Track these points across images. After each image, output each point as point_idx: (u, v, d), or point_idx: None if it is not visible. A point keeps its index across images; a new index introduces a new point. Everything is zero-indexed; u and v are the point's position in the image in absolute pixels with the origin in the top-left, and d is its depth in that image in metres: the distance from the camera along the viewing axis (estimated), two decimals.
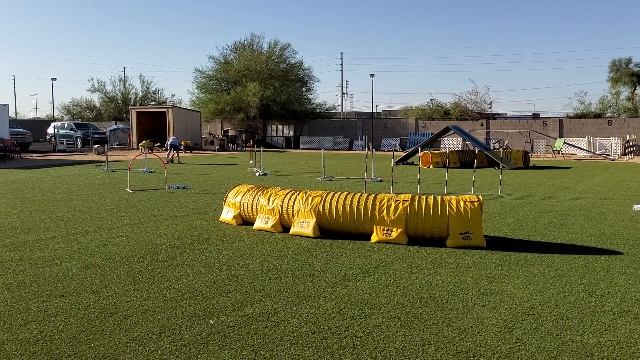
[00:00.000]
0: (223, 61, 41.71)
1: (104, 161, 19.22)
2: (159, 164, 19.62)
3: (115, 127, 40.38)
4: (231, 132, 40.35)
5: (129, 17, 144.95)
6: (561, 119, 31.45)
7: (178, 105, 42.76)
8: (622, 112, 35.22)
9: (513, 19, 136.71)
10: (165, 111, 35.24)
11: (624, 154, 27.55)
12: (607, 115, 33.82)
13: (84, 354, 3.50)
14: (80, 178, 15.34)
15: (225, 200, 8.24)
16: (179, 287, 4.94)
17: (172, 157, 21.88)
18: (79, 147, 35.29)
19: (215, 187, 12.95)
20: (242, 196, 7.90)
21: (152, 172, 17.16)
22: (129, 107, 38.55)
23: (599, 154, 27.08)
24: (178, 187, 12.72)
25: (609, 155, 27.12)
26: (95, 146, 29.05)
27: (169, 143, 22.43)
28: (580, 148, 27.64)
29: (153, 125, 36.46)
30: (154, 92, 54.22)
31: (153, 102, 51.99)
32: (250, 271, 5.46)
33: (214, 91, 40.74)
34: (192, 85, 54.35)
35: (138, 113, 35.71)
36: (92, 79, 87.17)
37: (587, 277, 5.24)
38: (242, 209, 7.83)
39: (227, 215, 8.07)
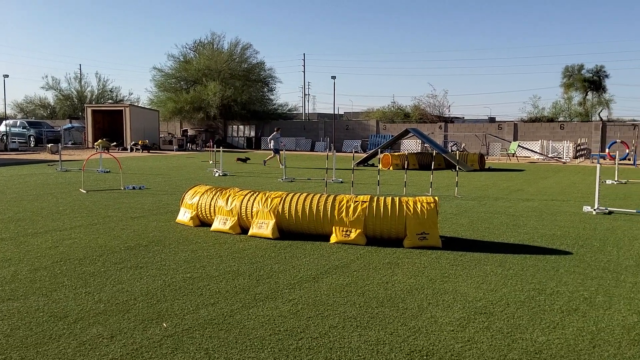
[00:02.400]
0: (182, 60, 41.11)
1: (58, 160, 18.65)
2: (115, 163, 19.17)
3: (70, 125, 39.33)
4: (190, 132, 39.79)
5: (85, 13, 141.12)
6: (516, 122, 32.32)
7: (135, 104, 41.85)
8: (574, 117, 36.44)
9: (470, 24, 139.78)
10: (122, 110, 34.51)
11: (576, 157, 28.53)
12: (559, 120, 34.93)
13: (31, 359, 3.38)
14: (32, 178, 14.83)
15: (182, 201, 8.12)
16: (132, 290, 4.83)
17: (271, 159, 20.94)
18: (32, 146, 34.19)
19: (173, 188, 12.74)
20: (200, 197, 7.79)
21: (107, 172, 16.76)
22: (85, 105, 37.60)
23: (551, 157, 27.96)
24: (134, 188, 12.46)
25: (561, 158, 28.03)
26: (49, 145, 28.20)
27: (272, 146, 20.98)
28: (533, 151, 28.45)
29: (109, 124, 35.64)
30: (110, 91, 53.01)
31: (110, 101, 50.77)
32: (207, 273, 5.39)
33: (173, 90, 40.10)
34: (150, 83, 53.21)
35: (94, 111, 34.87)
36: (47, 76, 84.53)
37: (537, 276, 5.40)
38: (199, 210, 7.73)
39: (184, 216, 7.95)
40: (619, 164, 16.93)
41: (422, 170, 18.88)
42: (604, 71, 37.11)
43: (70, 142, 36.48)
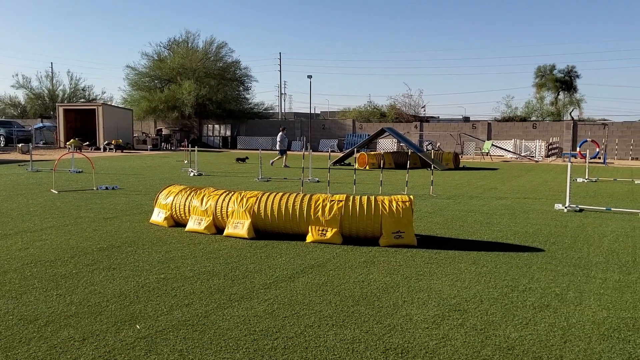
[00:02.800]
0: (156, 58, 40.59)
1: (29, 160, 18.26)
2: (87, 163, 18.85)
3: (41, 125, 38.54)
4: (165, 131, 39.33)
5: (57, 11, 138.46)
6: (489, 122, 32.75)
7: (109, 103, 41.24)
8: (546, 116, 37.08)
9: (445, 25, 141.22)
10: (94, 109, 33.94)
11: (548, 156, 29.04)
12: (532, 119, 35.51)
13: None
14: (2, 178, 14.49)
15: (156, 201, 8.02)
16: (105, 291, 4.75)
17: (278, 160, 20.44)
18: (2, 145, 33.42)
19: (147, 188, 12.58)
20: (174, 197, 7.71)
21: (79, 172, 16.46)
22: (57, 104, 36.84)
23: (524, 156, 28.41)
24: (107, 188, 12.27)
25: (533, 157, 28.52)
26: (20, 145, 27.58)
27: (278, 147, 20.48)
28: (507, 150, 28.88)
29: (82, 123, 35.02)
30: (83, 89, 51.99)
31: (82, 100, 49.87)
32: (181, 274, 5.33)
33: (147, 89, 39.57)
34: (123, 82, 52.38)
35: (66, 111, 34.24)
36: (17, 75, 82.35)
37: (510, 273, 5.48)
38: (173, 210, 7.65)
39: (158, 216, 7.85)
40: (589, 162, 17.29)
41: (398, 170, 19.00)
42: (575, 71, 37.87)
43: (41, 142, 35.75)
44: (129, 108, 38.12)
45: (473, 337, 3.81)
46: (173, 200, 7.69)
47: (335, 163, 20.83)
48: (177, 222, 7.71)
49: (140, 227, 7.72)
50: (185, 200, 7.54)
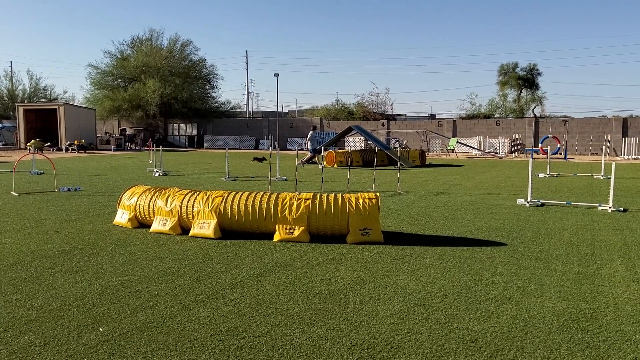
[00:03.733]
0: (119, 56, 39.83)
1: None
2: (49, 165, 18.37)
3: (0, 125, 37.36)
4: (129, 131, 38.63)
5: (15, 8, 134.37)
6: (454, 119, 33.28)
7: (70, 103, 40.26)
8: (509, 113, 37.88)
9: (411, 23, 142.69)
10: (56, 109, 33.16)
11: (511, 152, 29.67)
12: (495, 116, 36.22)
13: None
14: None
15: (120, 202, 7.88)
16: (67, 295, 4.65)
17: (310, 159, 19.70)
18: None
19: (110, 189, 12.34)
20: (138, 198, 7.59)
21: (40, 173, 16.03)
22: (16, 104, 35.83)
23: (488, 153, 28.97)
24: (69, 190, 11.98)
25: (497, 153, 29.09)
26: None
27: (309, 147, 19.71)
28: (471, 147, 29.40)
29: (43, 123, 34.16)
30: (44, 89, 50.62)
31: (43, 99, 48.54)
32: (146, 276, 5.25)
33: (110, 88, 38.80)
34: (86, 81, 51.23)
35: (26, 111, 33.34)
36: None
37: (474, 267, 5.58)
38: (137, 211, 7.52)
39: (122, 218, 7.71)
40: (550, 158, 17.75)
41: (366, 167, 19.12)
42: (537, 69, 38.82)
43: (1, 143, 34.66)
44: (92, 107, 37.34)
45: (437, 330, 3.87)
46: (137, 200, 7.57)
47: (305, 163, 20.82)
48: (141, 223, 7.58)
49: (104, 228, 7.57)
50: (150, 201, 7.43)
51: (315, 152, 19.68)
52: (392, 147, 26.82)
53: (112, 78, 39.86)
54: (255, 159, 22.41)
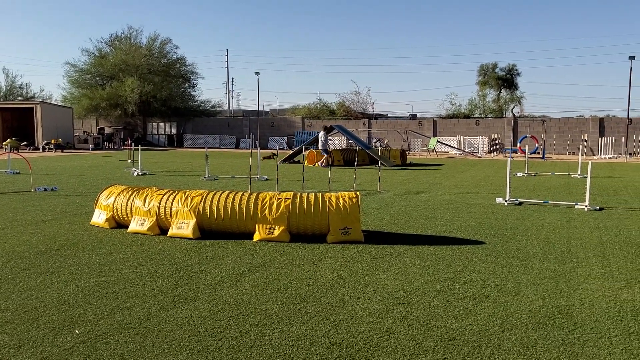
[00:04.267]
0: (98, 54, 39.32)
1: None
2: (25, 164, 18.05)
3: None
4: (107, 130, 38.16)
5: None
6: (435, 119, 33.52)
7: (47, 101, 39.60)
8: (489, 113, 38.32)
9: (393, 23, 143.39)
10: (32, 107, 32.64)
11: (490, 152, 29.99)
12: (475, 116, 36.60)
13: None
14: None
15: (97, 202, 7.77)
16: (42, 296, 4.57)
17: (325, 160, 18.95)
18: None
19: (88, 189, 12.18)
20: (116, 197, 7.49)
21: (16, 173, 15.75)
22: None
23: (467, 152, 29.24)
24: (46, 190, 11.79)
25: (476, 153, 29.38)
26: None
27: (320, 149, 18.96)
28: (451, 146, 29.65)
29: (19, 122, 33.61)
30: (20, 87, 49.60)
31: (19, 98, 47.62)
32: (123, 276, 5.19)
33: (88, 86, 38.28)
34: (63, 79, 50.42)
35: (2, 109, 32.83)
36: None
37: (452, 266, 5.62)
38: (115, 211, 7.43)
39: (99, 218, 7.61)
40: (529, 157, 17.97)
41: (347, 167, 19.15)
42: (516, 69, 39.32)
43: None
44: (69, 106, 36.81)
45: (416, 329, 3.89)
46: (114, 200, 7.47)
47: (284, 161, 20.79)
48: (119, 224, 7.49)
49: (81, 229, 7.46)
50: (127, 201, 7.34)
51: (327, 153, 19.23)
52: (373, 147, 26.90)
53: (90, 76, 39.34)
54: (264, 157, 22.34)
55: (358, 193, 6.98)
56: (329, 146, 19.35)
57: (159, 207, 7.05)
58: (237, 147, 36.56)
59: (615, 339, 3.74)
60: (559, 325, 3.98)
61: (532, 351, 3.53)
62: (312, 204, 6.74)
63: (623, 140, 27.44)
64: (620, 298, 4.61)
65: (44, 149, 30.07)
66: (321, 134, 19.38)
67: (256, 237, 6.72)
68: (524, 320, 4.07)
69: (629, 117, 28.05)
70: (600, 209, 9.41)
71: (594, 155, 27.96)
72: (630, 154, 27.26)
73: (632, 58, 27.36)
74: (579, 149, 20.19)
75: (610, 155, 26.79)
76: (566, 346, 3.61)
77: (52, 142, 30.20)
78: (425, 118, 35.33)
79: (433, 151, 28.48)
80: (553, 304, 4.46)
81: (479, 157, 26.96)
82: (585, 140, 28.14)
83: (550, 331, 3.87)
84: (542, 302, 4.50)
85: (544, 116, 34.24)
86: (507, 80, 39.04)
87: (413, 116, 48.83)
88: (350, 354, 3.47)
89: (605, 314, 4.23)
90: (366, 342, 3.65)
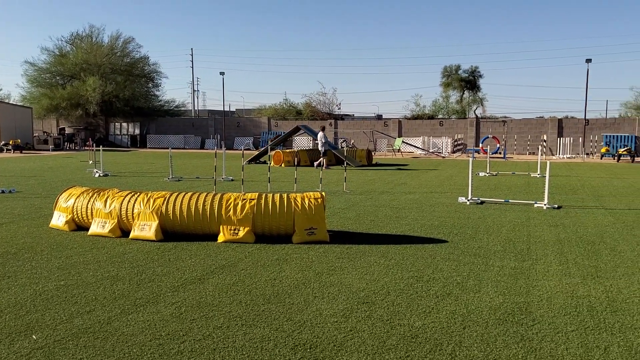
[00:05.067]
0: (58, 53, 38.30)
1: None
2: None
3: None
4: (68, 130, 37.21)
5: None
6: (400, 120, 33.86)
7: (5, 101, 38.42)
8: (452, 114, 38.92)
9: (357, 25, 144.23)
10: None
11: (453, 152, 30.49)
12: (439, 117, 37.12)
13: None
14: None
15: (57, 204, 7.57)
16: None
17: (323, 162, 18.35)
18: None
19: (47, 191, 11.85)
20: (76, 199, 7.31)
21: None
22: None
23: (432, 152, 29.66)
24: (3, 192, 11.42)
25: (440, 153, 29.83)
26: None
27: (320, 147, 18.35)
28: (416, 147, 30.01)
29: None
30: None
31: None
32: (83, 280, 5.07)
33: (48, 85, 37.25)
34: (22, 78, 48.98)
35: None
36: None
37: (416, 264, 5.69)
38: (75, 213, 7.25)
39: (59, 220, 7.42)
40: (490, 157, 18.35)
41: (313, 167, 19.15)
42: (479, 71, 40.09)
43: None
44: (29, 106, 35.77)
45: (379, 328, 3.93)
46: (74, 202, 7.29)
47: (250, 161, 20.67)
48: (79, 226, 7.32)
49: (39, 232, 7.26)
50: (88, 203, 7.18)
51: (326, 153, 18.81)
52: (340, 147, 27.01)
53: (50, 75, 38.31)
54: (257, 162, 21.63)
55: (323, 193, 6.99)
56: (327, 146, 19.07)
57: (121, 208, 6.91)
58: (202, 147, 36.16)
59: (572, 334, 3.86)
60: (518, 322, 4.07)
61: (492, 347, 3.61)
62: (278, 204, 6.72)
63: (580, 141, 28.28)
64: (577, 294, 4.75)
65: (1, 150, 29.13)
66: (321, 135, 18.75)
67: (220, 238, 6.66)
68: (485, 317, 4.16)
69: (586, 118, 28.93)
70: (559, 208, 9.68)
71: (552, 155, 28.73)
72: (587, 154, 28.12)
73: (589, 61, 28.20)
74: (538, 149, 20.74)
75: (568, 155, 27.58)
76: (525, 342, 3.70)
77: (11, 142, 29.30)
78: (390, 119, 35.66)
79: (398, 151, 28.78)
80: (513, 300, 4.56)
81: (443, 157, 27.37)
82: (545, 141, 28.89)
83: (509, 327, 3.96)
84: (502, 299, 4.60)
85: (505, 117, 35.02)
86: (469, 82, 39.77)
87: (379, 117, 49.21)
88: (314, 354, 3.48)
89: (563, 309, 4.35)
90: (330, 342, 3.66)
